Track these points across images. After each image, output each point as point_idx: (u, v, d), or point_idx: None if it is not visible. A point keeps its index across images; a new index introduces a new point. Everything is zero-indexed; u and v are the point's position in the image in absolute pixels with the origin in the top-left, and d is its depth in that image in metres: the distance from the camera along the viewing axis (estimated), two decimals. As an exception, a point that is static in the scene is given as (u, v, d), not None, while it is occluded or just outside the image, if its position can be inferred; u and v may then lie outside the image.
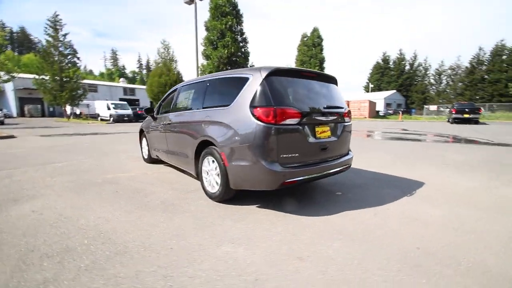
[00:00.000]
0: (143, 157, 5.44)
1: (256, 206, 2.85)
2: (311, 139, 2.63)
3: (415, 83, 52.31)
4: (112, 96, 40.21)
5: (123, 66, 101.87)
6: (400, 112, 32.50)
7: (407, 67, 53.97)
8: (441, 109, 34.86)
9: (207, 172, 3.09)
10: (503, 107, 28.20)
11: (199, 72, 14.33)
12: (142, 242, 2.06)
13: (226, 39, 13.08)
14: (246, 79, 2.65)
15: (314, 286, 1.56)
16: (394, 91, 52.33)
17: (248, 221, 2.48)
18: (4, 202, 2.97)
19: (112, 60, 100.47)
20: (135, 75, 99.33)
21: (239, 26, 13.91)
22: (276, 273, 1.68)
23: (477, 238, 2.15)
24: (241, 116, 2.56)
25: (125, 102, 25.64)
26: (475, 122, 18.91)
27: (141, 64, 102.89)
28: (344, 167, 3.05)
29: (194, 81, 3.72)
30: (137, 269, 1.70)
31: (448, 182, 3.80)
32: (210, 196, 3.01)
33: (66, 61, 23.61)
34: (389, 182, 3.84)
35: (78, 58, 24.66)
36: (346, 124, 3.10)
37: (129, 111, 23.75)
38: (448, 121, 21.31)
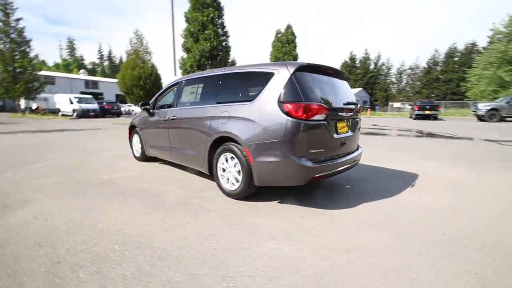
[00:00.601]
0: (134, 155, 5.11)
1: (277, 202, 2.86)
2: (335, 135, 2.69)
3: (379, 81, 55.75)
4: (72, 89, 36.91)
5: (81, 56, 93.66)
6: (368, 109, 34.46)
7: (372, 66, 57.23)
8: (402, 106, 37.71)
9: (223, 169, 3.01)
10: (455, 104, 31.38)
11: (179, 65, 13.82)
12: (181, 244, 1.96)
13: (208, 31, 12.63)
14: (271, 74, 2.62)
15: (373, 275, 1.62)
16: (361, 88, 55.23)
17: (276, 217, 2.48)
18: (-6, 209, 2.61)
19: (68, 50, 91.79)
20: (96, 66, 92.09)
21: (220, 19, 13.55)
22: (331, 266, 1.71)
23: (487, 223, 2.39)
24: (268, 111, 2.53)
25: (91, 96, 23.74)
26: (434, 118, 20.77)
27: (102, 55, 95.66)
28: (356, 161, 3.18)
29: (202, 75, 3.56)
30: (190, 273, 1.62)
31: (437, 173, 4.14)
32: (228, 193, 2.95)
33: (20, 49, 21.09)
34: (388, 174, 4.08)
35: (30, 47, 22.16)
36: (358, 120, 3.22)
37: (95, 106, 22.06)
38: (411, 117, 23.10)
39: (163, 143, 4.05)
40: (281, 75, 2.54)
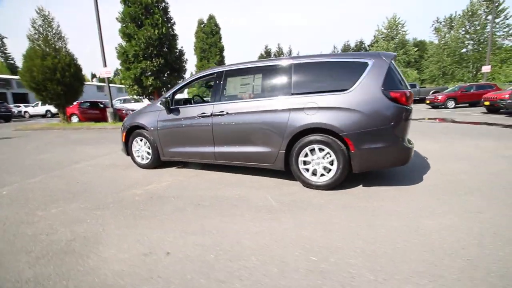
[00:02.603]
0: (137, 163, 4.22)
1: (362, 186, 3.00)
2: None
3: (293, 73, 61.45)
4: None
5: None
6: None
7: (286, 59, 62.36)
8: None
9: (305, 162, 2.95)
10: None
11: (117, 54, 11.37)
12: (357, 245, 1.89)
13: (155, 16, 10.84)
14: (365, 64, 2.70)
15: (526, 226, 2.01)
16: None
17: (386, 200, 2.60)
18: (54, 256, 1.81)
19: None
20: None
21: (162, 3, 11.85)
22: (491, 226, 2.03)
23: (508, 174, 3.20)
24: (371, 99, 2.61)
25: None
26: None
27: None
28: None
29: (259, 65, 3.25)
30: (410, 269, 1.64)
31: (428, 147, 5.05)
32: (317, 186, 2.91)
33: None
34: (396, 151, 4.77)
35: None
36: None
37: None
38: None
39: (201, 142, 3.53)
40: (378, 64, 2.66)
